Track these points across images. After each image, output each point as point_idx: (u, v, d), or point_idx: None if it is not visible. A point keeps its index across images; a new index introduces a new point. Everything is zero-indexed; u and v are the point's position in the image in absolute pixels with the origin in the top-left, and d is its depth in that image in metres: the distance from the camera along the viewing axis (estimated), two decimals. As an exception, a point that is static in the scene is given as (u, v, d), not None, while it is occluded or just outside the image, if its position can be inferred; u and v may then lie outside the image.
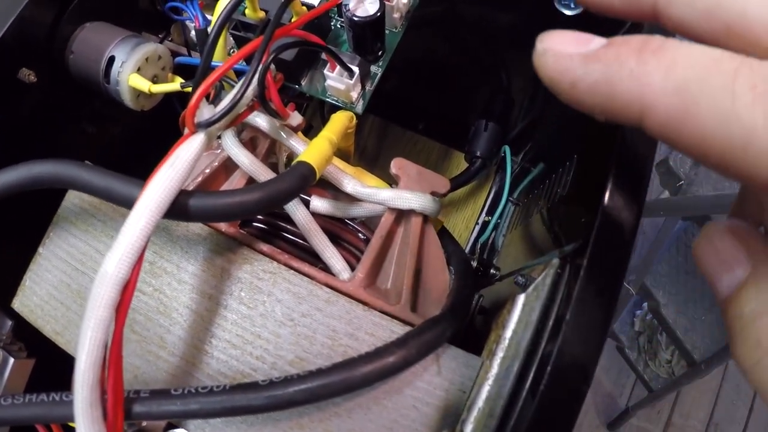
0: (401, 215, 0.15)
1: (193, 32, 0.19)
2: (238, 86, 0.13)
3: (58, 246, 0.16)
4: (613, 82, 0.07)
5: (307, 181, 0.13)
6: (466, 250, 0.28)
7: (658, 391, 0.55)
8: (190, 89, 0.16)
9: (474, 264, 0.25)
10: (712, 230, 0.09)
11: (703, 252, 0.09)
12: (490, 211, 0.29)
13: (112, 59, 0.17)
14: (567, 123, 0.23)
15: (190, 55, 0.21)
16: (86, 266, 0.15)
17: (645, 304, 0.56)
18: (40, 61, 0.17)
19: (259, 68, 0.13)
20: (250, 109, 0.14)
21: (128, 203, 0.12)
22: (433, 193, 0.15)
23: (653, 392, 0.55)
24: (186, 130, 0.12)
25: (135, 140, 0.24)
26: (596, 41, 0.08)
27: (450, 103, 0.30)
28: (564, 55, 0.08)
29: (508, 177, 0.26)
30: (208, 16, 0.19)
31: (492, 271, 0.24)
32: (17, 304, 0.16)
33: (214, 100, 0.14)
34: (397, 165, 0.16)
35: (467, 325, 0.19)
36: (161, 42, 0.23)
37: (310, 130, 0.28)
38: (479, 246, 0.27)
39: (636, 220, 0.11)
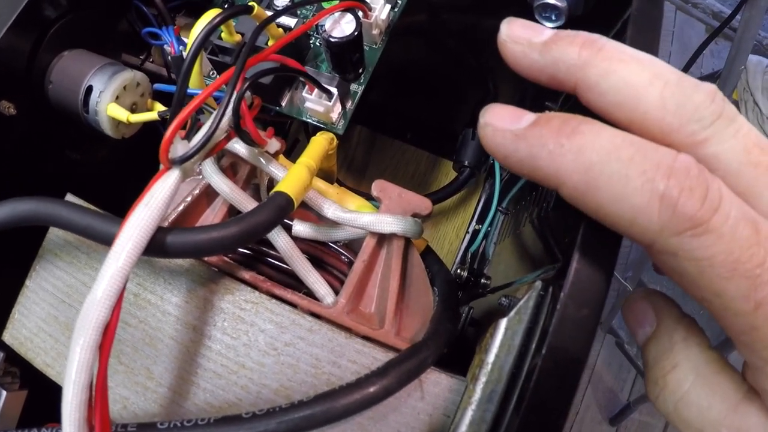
0: (383, 238, 0.15)
1: (170, 55, 0.19)
2: (211, 119, 0.13)
3: (44, 279, 0.16)
4: (535, 159, 0.09)
5: (285, 211, 0.13)
6: (457, 260, 0.28)
7: (659, 385, 0.55)
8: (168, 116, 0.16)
9: (464, 274, 0.25)
10: (633, 296, 0.12)
11: (626, 312, 0.12)
12: (480, 220, 0.29)
13: (90, 89, 0.17)
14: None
15: (170, 77, 0.21)
16: (72, 299, 0.15)
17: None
18: (19, 92, 0.17)
19: (233, 98, 0.13)
20: (228, 138, 0.14)
21: (108, 241, 0.12)
22: (414, 215, 0.15)
23: (654, 386, 0.56)
24: (162, 165, 0.12)
25: (122, 160, 0.24)
26: (526, 118, 0.09)
27: (437, 111, 0.30)
28: (499, 131, 0.10)
29: (497, 184, 0.26)
30: (185, 39, 0.19)
31: (483, 280, 0.24)
32: (7, 337, 0.16)
33: (190, 131, 0.14)
34: (378, 187, 0.16)
35: (458, 338, 0.19)
36: (142, 63, 0.22)
37: (297, 144, 0.28)
38: (470, 255, 0.27)
39: (616, 245, 0.11)
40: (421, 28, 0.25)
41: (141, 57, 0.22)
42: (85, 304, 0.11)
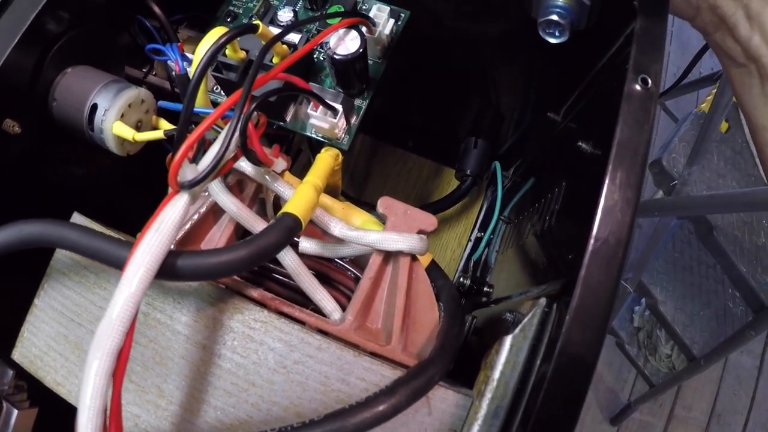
0: (389, 256, 0.15)
1: (174, 72, 0.19)
2: (220, 141, 0.13)
3: (52, 298, 0.16)
4: None
5: (294, 232, 0.13)
6: (459, 268, 0.28)
7: (659, 385, 0.55)
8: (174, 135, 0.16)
9: (467, 282, 0.25)
10: None
11: None
12: (483, 228, 0.29)
13: (95, 107, 0.17)
14: (555, 143, 0.23)
15: (173, 90, 0.21)
16: (82, 318, 0.15)
17: (643, 300, 0.57)
18: (24, 109, 0.17)
19: (241, 119, 0.13)
20: (235, 158, 0.14)
21: (117, 264, 0.12)
22: (420, 232, 0.16)
23: (654, 387, 0.56)
24: (170, 189, 0.12)
25: (127, 172, 0.24)
26: None
27: (439, 120, 0.30)
28: None
29: (499, 192, 0.26)
30: (189, 55, 0.19)
31: (486, 288, 0.24)
32: (17, 356, 0.16)
33: (197, 153, 0.14)
34: (383, 204, 0.16)
35: (462, 348, 0.19)
36: (145, 76, 0.22)
37: (299, 155, 0.28)
38: (472, 263, 0.27)
39: (618, 267, 0.11)
40: (424, 37, 0.25)
41: (144, 70, 0.22)
42: (98, 331, 0.11)
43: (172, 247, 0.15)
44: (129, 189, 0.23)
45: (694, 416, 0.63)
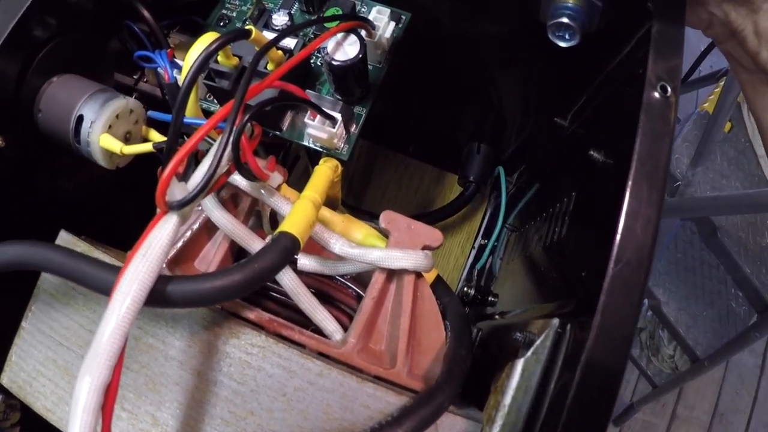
0: (393, 273, 0.15)
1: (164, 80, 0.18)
2: (210, 157, 0.12)
3: (40, 321, 0.15)
4: None
5: (291, 252, 0.12)
6: (463, 276, 0.28)
7: (662, 386, 0.55)
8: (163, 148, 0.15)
9: (471, 292, 0.24)
10: None
11: None
12: (486, 234, 0.28)
13: (80, 118, 0.16)
14: (561, 149, 0.22)
15: (164, 98, 0.20)
16: (71, 342, 0.15)
17: (645, 301, 0.56)
18: (8, 121, 0.16)
19: (233, 131, 0.12)
20: (228, 172, 0.13)
21: (103, 291, 0.11)
22: (425, 248, 0.15)
23: (657, 387, 0.56)
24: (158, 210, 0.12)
25: (119, 180, 0.23)
26: None
27: (440, 124, 0.29)
28: None
29: (503, 198, 0.25)
30: (179, 62, 0.18)
31: (490, 298, 0.23)
32: (5, 380, 0.15)
33: (188, 168, 0.13)
34: (386, 219, 0.15)
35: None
36: (136, 84, 0.22)
37: (297, 162, 0.27)
38: (476, 272, 0.26)
39: (640, 287, 0.10)
40: (425, 41, 0.24)
41: (134, 77, 0.21)
42: (84, 363, 0.10)
43: (164, 265, 0.14)
44: (123, 199, 0.22)
45: (696, 416, 0.63)
